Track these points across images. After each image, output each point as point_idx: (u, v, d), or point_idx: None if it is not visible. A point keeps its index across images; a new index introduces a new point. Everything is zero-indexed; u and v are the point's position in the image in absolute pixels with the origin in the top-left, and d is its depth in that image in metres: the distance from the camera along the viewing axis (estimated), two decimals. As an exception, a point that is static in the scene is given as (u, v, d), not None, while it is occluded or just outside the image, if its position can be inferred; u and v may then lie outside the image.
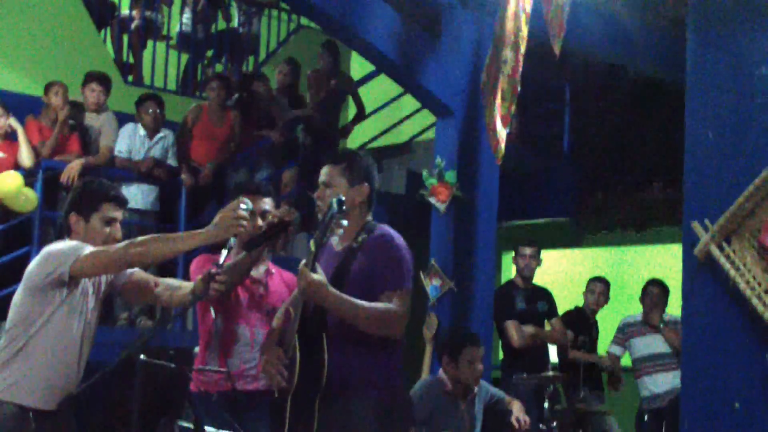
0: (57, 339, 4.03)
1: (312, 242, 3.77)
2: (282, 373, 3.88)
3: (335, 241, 3.99)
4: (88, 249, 3.98)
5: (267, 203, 4.63)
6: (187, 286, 4.20)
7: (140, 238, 3.94)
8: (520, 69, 5.48)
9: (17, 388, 3.99)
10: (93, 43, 9.75)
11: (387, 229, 4.02)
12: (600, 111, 9.60)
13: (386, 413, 3.84)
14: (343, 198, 3.75)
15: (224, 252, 3.89)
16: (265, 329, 4.39)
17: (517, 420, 5.78)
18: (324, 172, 4.09)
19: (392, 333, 3.88)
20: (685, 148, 2.66)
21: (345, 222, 3.73)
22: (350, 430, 3.79)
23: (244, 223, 3.74)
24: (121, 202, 4.26)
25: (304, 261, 3.76)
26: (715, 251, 2.47)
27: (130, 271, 4.23)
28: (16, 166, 7.42)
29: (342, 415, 3.79)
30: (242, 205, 3.76)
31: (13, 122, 7.54)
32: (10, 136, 7.57)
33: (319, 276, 3.74)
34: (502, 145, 5.70)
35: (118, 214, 4.22)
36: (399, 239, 3.98)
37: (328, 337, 3.81)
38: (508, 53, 5.44)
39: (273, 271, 4.77)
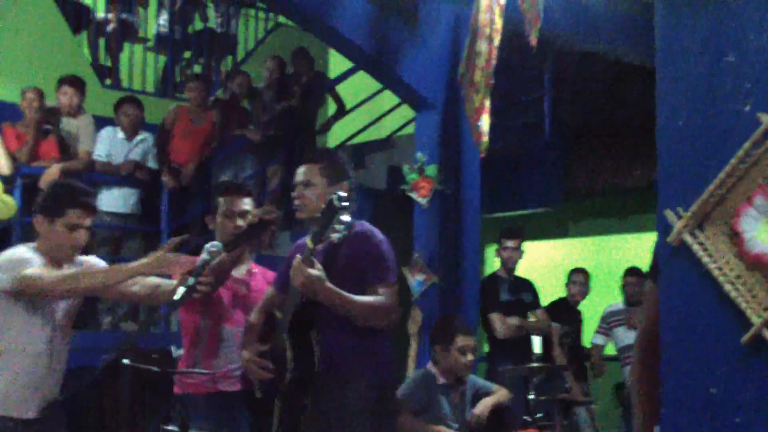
0: (25, 348, 3.98)
1: (308, 239, 3.75)
2: (266, 366, 3.88)
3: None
4: (27, 270, 3.89)
5: (247, 203, 4.63)
6: (167, 284, 4.13)
7: (73, 272, 3.92)
8: (494, 61, 5.48)
9: None
10: (69, 47, 9.70)
11: (366, 224, 4.03)
12: (580, 98, 9.59)
13: (377, 398, 3.85)
14: (344, 194, 3.68)
15: (203, 255, 3.91)
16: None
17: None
18: (302, 171, 4.07)
19: (385, 324, 3.91)
20: (656, 136, 2.67)
21: (347, 219, 3.68)
22: (342, 416, 3.80)
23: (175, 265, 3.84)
24: (89, 209, 4.12)
25: (299, 258, 3.75)
26: (689, 238, 2.47)
27: None
28: (-6, 174, 7.38)
29: (333, 401, 3.80)
30: (207, 251, 3.89)
31: None
32: (-12, 144, 7.52)
33: (318, 271, 3.74)
34: (485, 139, 5.70)
35: (85, 221, 4.07)
36: (379, 234, 4.00)
37: (317, 326, 3.81)
38: (482, 45, 5.44)
39: (255, 270, 4.77)
